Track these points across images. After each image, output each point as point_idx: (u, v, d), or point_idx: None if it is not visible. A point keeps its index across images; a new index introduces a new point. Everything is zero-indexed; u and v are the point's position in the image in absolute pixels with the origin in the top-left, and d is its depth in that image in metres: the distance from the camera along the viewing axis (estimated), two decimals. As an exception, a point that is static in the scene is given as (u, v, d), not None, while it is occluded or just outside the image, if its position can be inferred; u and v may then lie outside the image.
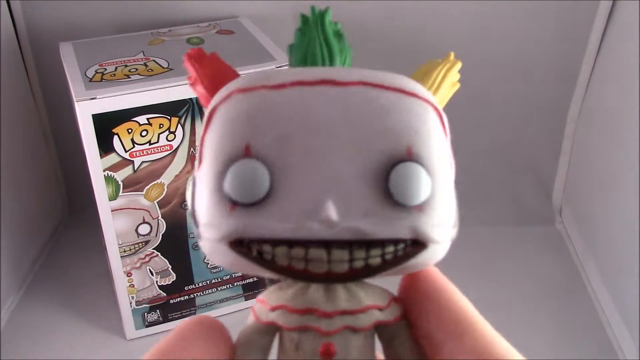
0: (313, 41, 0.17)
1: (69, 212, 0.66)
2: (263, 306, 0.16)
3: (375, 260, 0.15)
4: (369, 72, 0.16)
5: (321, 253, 0.14)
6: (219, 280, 0.51)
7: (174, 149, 0.44)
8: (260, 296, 0.16)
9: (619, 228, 0.52)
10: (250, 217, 0.14)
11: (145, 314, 0.50)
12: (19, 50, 0.57)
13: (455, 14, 0.57)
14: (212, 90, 0.16)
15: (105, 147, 0.42)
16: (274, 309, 0.16)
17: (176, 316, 0.51)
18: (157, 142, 0.43)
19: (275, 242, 0.14)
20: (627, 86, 0.51)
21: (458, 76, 0.18)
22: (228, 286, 0.51)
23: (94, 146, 0.41)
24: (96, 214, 0.44)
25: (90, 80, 0.43)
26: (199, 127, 0.44)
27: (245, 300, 0.53)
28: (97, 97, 0.40)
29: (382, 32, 0.58)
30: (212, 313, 0.52)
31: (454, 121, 0.66)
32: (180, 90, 0.42)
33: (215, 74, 0.17)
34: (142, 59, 0.46)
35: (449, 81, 0.18)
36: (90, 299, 0.54)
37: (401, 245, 0.15)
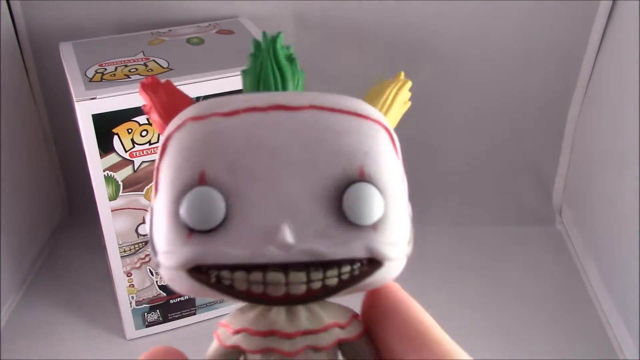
0: (265, 66, 0.17)
1: (69, 212, 0.66)
2: (226, 330, 0.16)
3: (332, 281, 0.15)
4: (320, 96, 0.16)
5: (279, 276, 0.14)
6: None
7: (174, 149, 0.44)
8: (223, 320, 0.17)
9: (619, 228, 0.52)
10: (208, 244, 0.14)
11: (145, 314, 0.50)
12: (19, 50, 0.57)
13: (455, 14, 0.57)
14: (166, 118, 0.17)
15: (105, 147, 0.42)
16: (236, 332, 0.16)
17: (176, 316, 0.51)
18: (157, 142, 0.43)
19: (233, 268, 0.14)
20: (627, 86, 0.51)
21: (408, 94, 0.19)
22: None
23: (94, 146, 0.41)
24: (96, 214, 0.44)
25: (90, 80, 0.42)
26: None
27: (245, 300, 0.53)
28: (97, 97, 0.40)
29: (382, 32, 0.58)
30: (212, 313, 0.52)
31: (453, 121, 0.65)
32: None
33: (169, 102, 0.17)
34: (142, 59, 0.46)
35: (399, 101, 0.18)
36: (90, 299, 0.54)
37: (357, 265, 0.15)
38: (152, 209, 0.16)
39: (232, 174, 0.15)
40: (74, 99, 0.40)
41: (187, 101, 0.17)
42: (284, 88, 0.17)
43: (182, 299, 0.50)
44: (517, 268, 0.58)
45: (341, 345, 0.16)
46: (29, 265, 0.57)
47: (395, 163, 0.16)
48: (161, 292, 0.49)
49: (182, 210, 0.15)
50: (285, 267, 0.14)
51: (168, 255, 0.15)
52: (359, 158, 0.15)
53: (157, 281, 0.49)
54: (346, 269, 0.15)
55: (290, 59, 0.17)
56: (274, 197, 0.15)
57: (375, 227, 0.15)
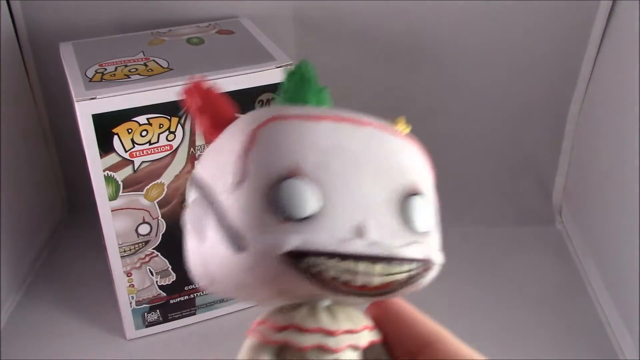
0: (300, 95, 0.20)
1: (69, 212, 0.66)
2: (267, 327, 0.17)
3: (402, 277, 0.17)
4: (370, 119, 0.18)
5: (363, 267, 0.16)
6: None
7: (174, 149, 0.44)
8: (260, 318, 0.18)
9: (619, 228, 0.52)
10: (303, 232, 0.16)
11: (145, 314, 0.50)
12: (19, 50, 0.57)
13: (455, 14, 0.57)
14: (212, 119, 0.19)
15: (105, 147, 0.42)
16: (283, 328, 0.17)
17: (176, 316, 0.51)
18: (157, 142, 0.43)
19: (329, 255, 0.16)
20: (627, 86, 0.51)
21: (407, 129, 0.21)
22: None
23: (94, 146, 0.41)
24: (96, 214, 0.44)
25: (90, 80, 0.43)
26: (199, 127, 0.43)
27: (245, 300, 0.53)
28: (97, 97, 0.40)
29: (382, 33, 0.58)
30: (212, 313, 0.52)
31: (453, 121, 0.66)
32: (180, 90, 0.42)
33: (217, 106, 0.19)
34: (142, 59, 0.46)
35: None
36: (90, 298, 0.54)
37: (416, 265, 0.17)
38: (234, 196, 0.16)
39: (324, 171, 0.16)
40: (74, 99, 0.40)
41: (231, 107, 0.19)
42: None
43: (182, 299, 0.50)
44: (517, 268, 0.58)
45: (368, 346, 0.18)
46: (29, 265, 0.57)
47: (431, 182, 0.19)
48: (161, 292, 0.49)
49: (279, 197, 0.16)
50: (371, 260, 0.16)
51: (261, 238, 0.16)
52: (415, 175, 0.18)
53: (157, 281, 0.49)
54: (412, 266, 0.17)
55: (311, 81, 0.20)
56: (360, 196, 0.17)
57: (428, 235, 0.18)
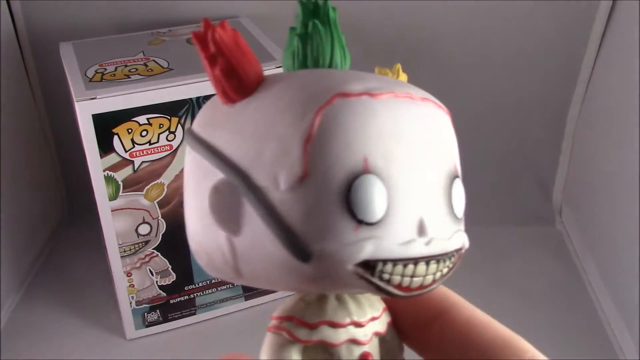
0: (325, 42, 0.16)
1: (69, 212, 0.66)
2: (296, 323, 0.16)
3: (446, 270, 0.15)
4: (416, 88, 0.16)
5: (422, 269, 0.15)
6: (219, 280, 0.51)
7: (174, 149, 0.44)
8: (280, 312, 0.16)
9: (619, 228, 0.52)
10: (375, 238, 0.14)
11: (145, 314, 0.50)
12: (19, 50, 0.57)
13: (455, 14, 0.57)
14: (233, 77, 0.15)
15: (105, 147, 0.42)
16: (315, 325, 0.16)
17: (176, 316, 0.51)
18: (157, 142, 0.43)
19: (395, 262, 0.14)
20: (627, 86, 0.51)
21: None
22: (228, 286, 0.51)
23: (94, 146, 0.41)
24: (96, 214, 0.44)
25: (90, 80, 0.42)
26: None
27: (245, 300, 0.53)
28: (97, 97, 0.40)
29: (382, 32, 0.58)
30: (212, 313, 0.52)
31: (453, 121, 0.65)
32: (180, 90, 0.42)
33: (238, 58, 0.15)
34: (142, 59, 0.46)
35: None
36: (90, 298, 0.54)
37: (454, 255, 0.16)
38: (294, 195, 0.14)
39: (387, 162, 0.14)
40: (74, 99, 0.40)
41: (255, 62, 0.15)
42: (344, 67, 0.17)
43: (182, 299, 0.50)
44: (517, 268, 0.58)
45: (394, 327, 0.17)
46: (29, 265, 0.57)
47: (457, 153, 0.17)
48: (161, 292, 0.49)
49: (353, 199, 0.13)
50: (426, 260, 0.15)
51: (334, 248, 0.13)
52: (454, 154, 0.16)
53: (157, 281, 0.49)
54: (454, 258, 0.16)
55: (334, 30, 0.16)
56: (420, 187, 0.15)
57: (462, 220, 0.16)
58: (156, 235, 0.47)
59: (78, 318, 0.53)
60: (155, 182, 0.44)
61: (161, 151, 0.43)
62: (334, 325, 0.15)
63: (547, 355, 0.15)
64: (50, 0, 0.55)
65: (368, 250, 0.14)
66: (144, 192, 0.44)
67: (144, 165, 0.43)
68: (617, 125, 0.54)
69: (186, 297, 0.50)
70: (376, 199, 0.14)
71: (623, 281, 0.50)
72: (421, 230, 0.14)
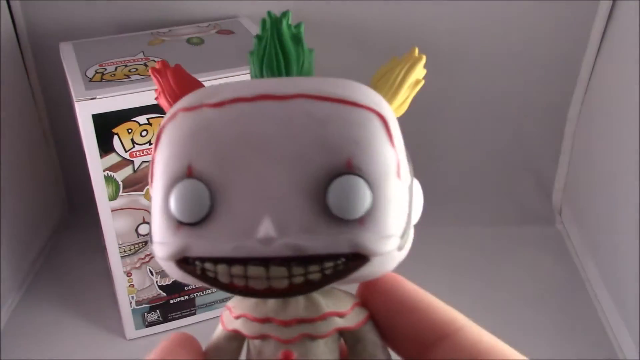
0: (269, 48, 0.17)
1: (69, 212, 0.66)
2: (229, 314, 0.16)
3: (315, 276, 0.14)
4: (312, 83, 0.16)
5: (259, 270, 0.14)
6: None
7: (174, 149, 0.44)
8: (229, 302, 0.17)
9: (619, 228, 0.52)
10: (193, 237, 0.15)
11: (145, 314, 0.50)
12: (19, 50, 0.57)
13: (455, 14, 0.57)
14: (174, 103, 0.17)
15: (105, 147, 0.42)
16: (237, 317, 0.16)
17: (176, 316, 0.51)
18: (157, 142, 0.43)
19: (216, 260, 0.15)
20: (627, 86, 0.51)
21: (423, 72, 0.18)
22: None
23: (94, 146, 0.41)
24: (96, 214, 0.44)
25: (90, 80, 0.42)
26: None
27: (245, 300, 0.52)
28: (97, 97, 0.40)
29: (382, 32, 0.58)
30: (212, 313, 0.52)
31: (453, 121, 0.65)
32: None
33: (179, 87, 0.17)
34: (142, 59, 0.46)
35: (410, 81, 0.17)
36: (90, 299, 0.54)
37: (341, 260, 0.14)
38: (152, 200, 0.16)
39: (218, 167, 0.15)
40: (74, 99, 0.40)
41: (196, 86, 0.17)
42: (288, 71, 0.17)
43: (182, 299, 0.50)
44: (517, 268, 0.58)
45: (343, 333, 0.16)
46: (29, 265, 0.57)
47: (390, 152, 0.15)
48: (161, 292, 0.49)
49: (171, 203, 0.15)
50: (266, 262, 0.14)
51: (160, 245, 0.15)
52: (347, 149, 0.15)
53: (157, 281, 0.49)
54: (329, 264, 0.14)
55: (297, 39, 0.17)
56: (259, 191, 0.15)
57: (362, 221, 0.15)
58: (179, 224, 0.46)
59: (78, 318, 0.53)
60: (155, 182, 0.44)
61: (161, 151, 0.43)
62: (250, 318, 0.16)
63: (547, 355, 0.14)
64: (50, 0, 0.55)
65: (179, 249, 0.15)
66: (144, 192, 0.44)
67: (144, 165, 0.43)
68: (617, 125, 0.54)
69: (186, 297, 0.50)
70: (192, 201, 0.15)
71: (623, 281, 0.50)
72: (253, 232, 0.14)
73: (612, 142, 0.55)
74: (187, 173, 0.15)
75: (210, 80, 0.42)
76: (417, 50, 0.18)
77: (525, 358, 0.15)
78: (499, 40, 0.59)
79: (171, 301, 0.50)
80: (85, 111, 0.40)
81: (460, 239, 0.61)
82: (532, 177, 0.66)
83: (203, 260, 0.15)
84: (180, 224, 0.15)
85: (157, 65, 0.17)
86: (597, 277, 0.55)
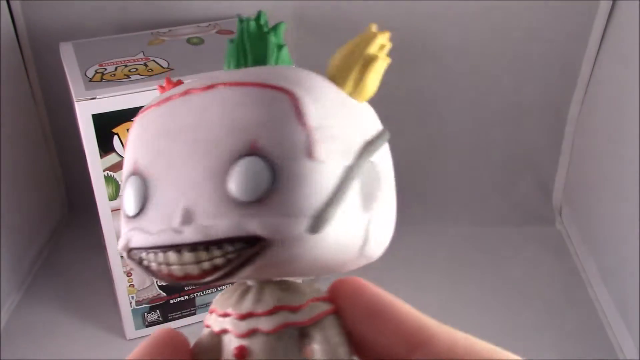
0: (234, 47, 0.18)
1: (69, 212, 0.66)
2: (215, 315, 0.17)
3: (219, 261, 0.15)
4: (239, 72, 0.16)
5: (174, 257, 0.15)
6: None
7: (174, 149, 0.44)
8: (212, 305, 0.18)
9: (619, 228, 0.52)
10: (134, 229, 0.16)
11: (145, 314, 0.50)
12: (19, 50, 0.57)
13: (455, 15, 0.57)
14: None
15: (105, 147, 0.42)
16: (223, 315, 0.16)
17: (176, 316, 0.51)
18: (157, 142, 0.43)
19: (147, 250, 0.16)
20: (627, 86, 0.51)
21: (382, 50, 0.17)
22: (228, 286, 0.51)
23: (94, 146, 0.41)
24: (96, 214, 0.44)
25: (90, 80, 0.43)
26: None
27: (245, 300, 0.53)
28: (97, 97, 0.40)
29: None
30: (212, 313, 0.52)
31: (453, 121, 0.65)
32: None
33: None
34: (142, 59, 0.46)
35: (375, 70, 0.17)
36: (90, 299, 0.54)
37: (240, 244, 0.14)
38: None
39: (150, 161, 0.16)
40: (74, 99, 0.40)
41: None
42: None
43: (182, 298, 0.50)
44: (517, 268, 0.58)
45: (299, 328, 0.15)
46: (29, 265, 0.57)
47: (296, 131, 0.15)
48: (161, 292, 0.49)
49: (122, 198, 0.16)
50: (181, 248, 0.15)
51: (120, 239, 0.17)
52: (252, 131, 0.15)
53: (157, 281, 0.49)
54: (229, 248, 0.14)
55: (261, 37, 0.17)
56: (178, 180, 0.15)
57: (261, 202, 0.14)
58: (126, 217, 0.46)
59: (78, 318, 0.53)
60: (155, 182, 0.44)
61: (161, 151, 0.43)
62: (217, 313, 0.16)
63: (547, 355, 0.14)
64: (50, 0, 0.55)
65: (127, 240, 0.16)
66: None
67: (144, 165, 0.43)
68: (617, 125, 0.54)
69: (186, 297, 0.50)
70: (130, 195, 0.16)
71: (623, 281, 0.50)
72: (170, 220, 0.15)
73: (612, 142, 0.55)
74: (133, 170, 0.16)
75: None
76: (374, 27, 0.17)
77: (505, 352, 0.15)
78: (499, 40, 0.59)
79: (171, 301, 0.50)
80: (85, 111, 0.40)
81: (460, 239, 0.61)
82: (532, 177, 0.66)
83: (141, 250, 0.16)
84: (126, 217, 0.16)
85: (164, 83, 0.19)
86: (597, 277, 0.55)
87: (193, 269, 0.15)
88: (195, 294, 0.50)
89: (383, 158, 0.16)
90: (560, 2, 0.56)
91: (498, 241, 0.61)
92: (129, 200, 0.16)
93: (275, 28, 0.18)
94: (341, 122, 0.15)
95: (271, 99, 0.15)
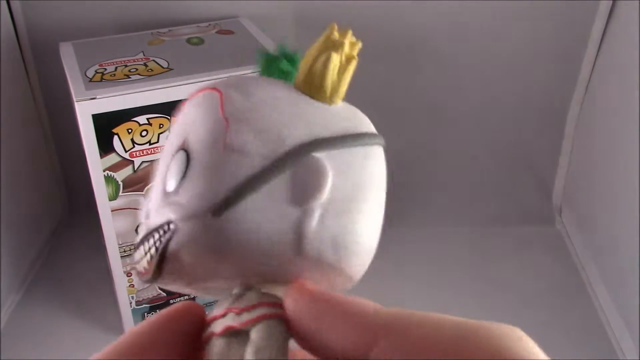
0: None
1: (69, 212, 0.66)
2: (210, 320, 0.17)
3: (152, 251, 0.16)
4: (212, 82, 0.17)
5: (140, 252, 0.16)
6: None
7: (174, 149, 0.44)
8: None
9: (619, 228, 0.52)
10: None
11: (145, 314, 0.50)
12: (19, 50, 0.57)
13: (455, 15, 0.57)
14: None
15: (105, 147, 0.42)
16: (209, 321, 0.17)
17: (176, 316, 0.51)
18: (157, 142, 0.43)
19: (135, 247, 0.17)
20: (627, 86, 0.51)
21: (352, 48, 0.17)
22: (228, 286, 0.51)
23: (94, 146, 0.41)
24: (96, 214, 0.44)
25: (90, 80, 0.42)
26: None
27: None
28: (97, 97, 0.40)
29: (382, 33, 0.58)
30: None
31: (453, 121, 0.65)
32: (180, 90, 0.42)
33: None
34: (142, 59, 0.46)
35: (331, 71, 0.17)
36: (90, 299, 0.54)
37: (162, 231, 0.15)
38: None
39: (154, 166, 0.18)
40: (74, 99, 0.40)
41: None
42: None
43: (182, 299, 0.50)
44: (517, 268, 0.58)
45: (245, 331, 0.15)
46: (29, 265, 0.57)
47: (216, 124, 0.15)
48: (161, 292, 0.49)
49: None
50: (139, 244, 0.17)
51: None
52: (186, 129, 0.16)
53: (157, 281, 0.49)
54: (156, 235, 0.16)
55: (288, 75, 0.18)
56: (156, 180, 0.17)
57: (176, 192, 0.15)
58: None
59: (78, 318, 0.53)
60: (155, 182, 0.44)
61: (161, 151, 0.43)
62: (211, 320, 0.16)
63: (547, 355, 0.14)
64: (50, 0, 0.55)
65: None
66: (144, 192, 0.44)
67: (144, 165, 0.43)
68: (617, 125, 0.54)
69: (186, 296, 0.50)
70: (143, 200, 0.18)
71: (623, 281, 0.50)
72: (144, 217, 0.17)
73: (612, 142, 0.55)
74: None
75: (210, 80, 0.42)
76: (334, 30, 0.17)
77: (455, 318, 0.14)
78: (499, 40, 0.59)
79: (171, 301, 0.50)
80: (85, 111, 0.40)
81: (460, 239, 0.61)
82: (532, 177, 0.66)
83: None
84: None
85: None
86: (597, 277, 0.55)
87: (144, 263, 0.16)
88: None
89: (351, 163, 0.16)
90: (560, 2, 0.56)
91: (498, 241, 0.61)
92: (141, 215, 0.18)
93: (288, 56, 0.18)
94: (277, 118, 0.16)
95: (205, 99, 0.16)
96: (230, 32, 0.52)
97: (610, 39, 0.56)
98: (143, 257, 0.16)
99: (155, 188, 0.17)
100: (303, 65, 0.17)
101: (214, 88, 0.16)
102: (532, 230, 0.63)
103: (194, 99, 0.17)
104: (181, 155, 0.15)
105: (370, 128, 0.17)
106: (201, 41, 0.50)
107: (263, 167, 0.15)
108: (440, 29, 0.58)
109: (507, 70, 0.60)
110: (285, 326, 0.15)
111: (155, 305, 0.50)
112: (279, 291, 0.16)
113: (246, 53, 0.47)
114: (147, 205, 0.17)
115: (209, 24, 0.54)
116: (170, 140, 0.17)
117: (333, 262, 0.16)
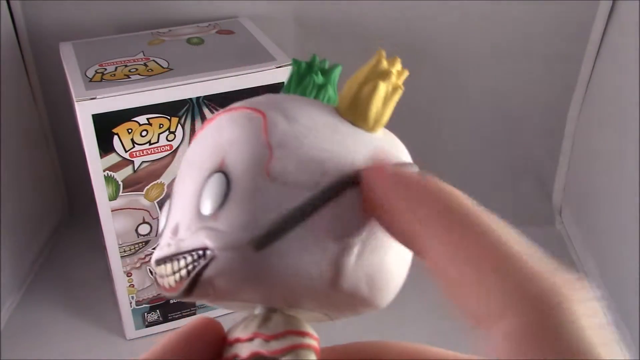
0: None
1: (69, 212, 0.66)
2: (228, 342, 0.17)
3: (184, 272, 0.15)
4: (243, 100, 0.17)
5: (161, 269, 0.16)
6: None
7: (174, 149, 0.44)
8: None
9: (619, 228, 0.52)
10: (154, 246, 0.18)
11: (145, 314, 0.50)
12: (19, 50, 0.57)
13: (455, 15, 0.57)
14: None
15: (105, 147, 0.42)
16: (230, 343, 0.16)
17: (176, 316, 0.51)
18: (157, 142, 0.43)
19: (157, 262, 0.17)
20: (627, 86, 0.51)
21: (397, 79, 0.17)
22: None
23: (94, 146, 0.41)
24: (96, 214, 0.44)
25: (90, 80, 0.42)
26: (199, 127, 0.43)
27: (245, 300, 0.53)
28: (97, 97, 0.40)
29: (382, 33, 0.58)
30: (212, 313, 0.52)
31: (454, 122, 0.65)
32: (180, 90, 0.42)
33: None
34: (142, 59, 0.46)
35: (378, 99, 0.17)
36: (90, 298, 0.54)
37: (195, 255, 0.15)
38: None
39: (175, 183, 0.17)
40: (74, 99, 0.40)
41: None
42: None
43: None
44: (517, 268, 0.58)
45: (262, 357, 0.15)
46: (29, 265, 0.57)
47: (259, 148, 0.15)
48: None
49: None
50: (167, 260, 0.16)
51: None
52: (224, 149, 0.15)
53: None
54: (189, 259, 0.15)
55: (306, 77, 0.18)
56: (182, 197, 0.16)
57: (215, 216, 0.15)
58: (156, 235, 0.47)
59: (78, 318, 0.53)
60: (155, 182, 0.44)
61: (161, 151, 0.43)
62: (234, 342, 0.16)
63: None
64: (50, 0, 0.55)
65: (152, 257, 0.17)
66: (144, 192, 0.44)
67: (144, 165, 0.43)
68: (617, 125, 0.54)
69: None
70: (161, 215, 0.17)
71: (623, 281, 0.50)
72: (171, 233, 0.16)
73: (612, 142, 0.55)
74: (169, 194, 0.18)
75: (210, 80, 0.42)
76: (383, 58, 0.17)
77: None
78: (499, 40, 0.59)
79: (171, 301, 0.50)
80: (85, 111, 0.40)
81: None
82: (532, 177, 0.66)
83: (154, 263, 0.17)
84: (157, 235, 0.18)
85: None
86: (597, 278, 0.55)
87: (170, 281, 0.15)
88: (195, 294, 0.51)
89: None
90: (560, 2, 0.56)
91: (498, 241, 0.61)
92: (161, 220, 0.17)
93: (325, 70, 0.18)
94: (320, 147, 0.15)
95: (246, 120, 0.15)
96: (230, 32, 0.52)
97: (610, 39, 0.56)
98: (170, 275, 0.15)
99: (183, 201, 0.16)
100: (347, 91, 0.17)
101: (256, 109, 0.16)
102: (532, 230, 0.62)
103: (232, 116, 0.16)
104: (220, 178, 0.15)
105: (408, 157, 0.17)
106: (201, 41, 0.50)
107: (306, 199, 0.15)
108: (439, 29, 0.58)
109: (507, 69, 0.60)
110: (315, 357, 0.15)
111: (155, 305, 0.50)
112: (302, 314, 0.16)
113: (246, 53, 0.47)
114: (171, 216, 0.16)
115: (209, 24, 0.54)
116: (199, 152, 0.16)
117: (367, 297, 0.16)
